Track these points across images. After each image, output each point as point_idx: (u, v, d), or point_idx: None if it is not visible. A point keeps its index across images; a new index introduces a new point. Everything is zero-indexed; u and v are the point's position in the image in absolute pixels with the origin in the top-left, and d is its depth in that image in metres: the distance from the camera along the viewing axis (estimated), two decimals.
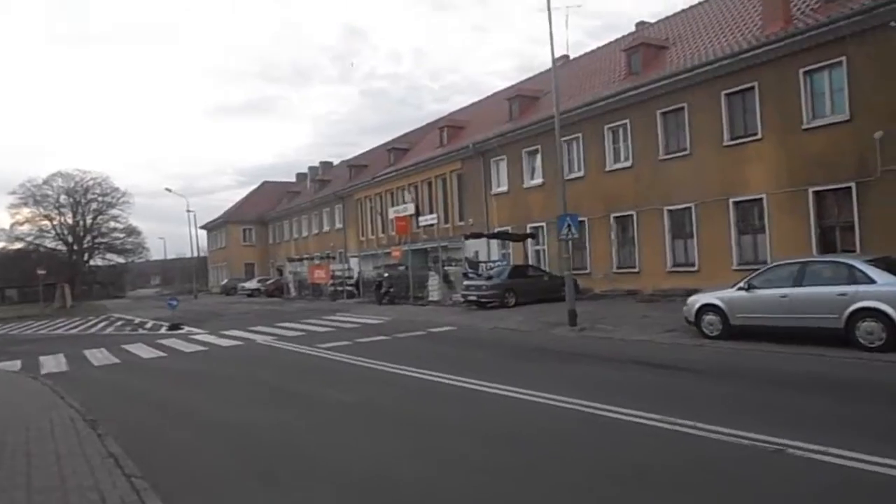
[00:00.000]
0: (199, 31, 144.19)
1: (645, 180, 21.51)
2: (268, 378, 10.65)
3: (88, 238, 69.92)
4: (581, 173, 24.16)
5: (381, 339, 15.00)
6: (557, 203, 15.33)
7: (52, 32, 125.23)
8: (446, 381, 9.10)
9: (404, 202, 35.97)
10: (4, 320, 34.66)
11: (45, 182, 65.06)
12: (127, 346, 16.92)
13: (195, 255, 59.20)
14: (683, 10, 25.79)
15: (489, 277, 20.77)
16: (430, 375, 9.61)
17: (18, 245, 67.39)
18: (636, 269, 22.06)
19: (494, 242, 27.92)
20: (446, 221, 32.81)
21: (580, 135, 24.10)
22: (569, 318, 14.67)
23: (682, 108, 20.19)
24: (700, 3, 25.26)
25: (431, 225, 32.87)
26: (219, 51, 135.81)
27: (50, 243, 68.42)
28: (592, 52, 30.33)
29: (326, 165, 56.68)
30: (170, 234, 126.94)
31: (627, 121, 22.14)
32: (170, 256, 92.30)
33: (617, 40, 28.39)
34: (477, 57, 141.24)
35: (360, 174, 44.32)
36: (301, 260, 41.65)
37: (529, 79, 33.60)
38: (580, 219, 23.97)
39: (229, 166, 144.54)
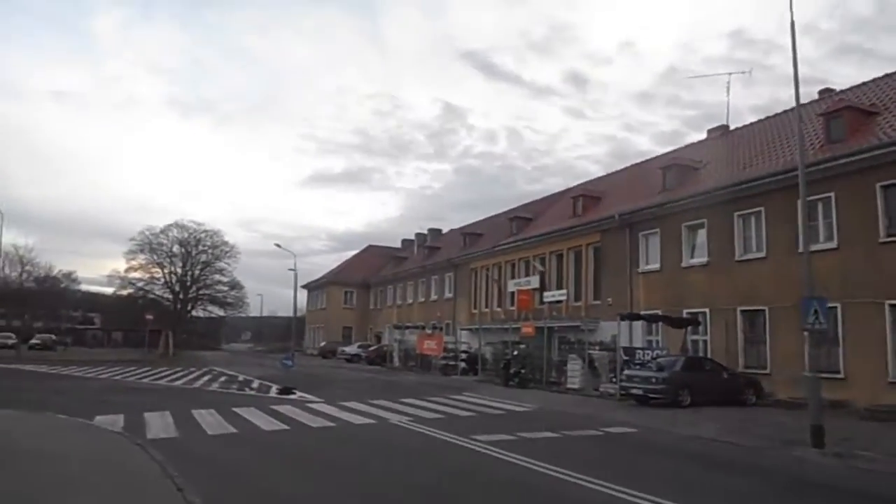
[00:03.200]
0: (306, 101, 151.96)
1: (856, 266, 17.58)
2: (446, 486, 7.65)
3: (194, 288, 71.19)
4: (762, 254, 20.47)
5: (550, 437, 11.77)
6: (803, 281, 11.96)
7: (171, 95, 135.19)
8: None
9: (527, 275, 33.12)
10: (110, 363, 33.86)
11: (163, 231, 67.29)
12: (238, 410, 14.48)
13: (294, 313, 58.31)
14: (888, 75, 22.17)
15: (660, 368, 17.17)
16: None
17: (129, 290, 69.39)
18: (840, 375, 17.79)
19: (638, 328, 24.21)
20: (577, 299, 29.53)
21: (762, 209, 20.58)
22: (812, 437, 10.93)
23: None
24: None
25: (559, 302, 29.82)
26: (321, 121, 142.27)
27: (158, 291, 70.15)
28: (759, 121, 26.96)
29: (435, 233, 55.06)
30: (264, 292, 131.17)
31: (832, 194, 18.48)
32: (263, 314, 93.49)
33: (811, 102, 24.94)
34: (570, 141, 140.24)
35: (474, 243, 42.03)
36: (407, 328, 39.17)
37: (682, 148, 30.49)
38: (760, 308, 20.44)
39: (323, 232, 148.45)
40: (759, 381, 18.49)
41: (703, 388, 17.02)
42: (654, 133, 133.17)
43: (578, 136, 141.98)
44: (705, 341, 22.16)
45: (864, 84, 23.10)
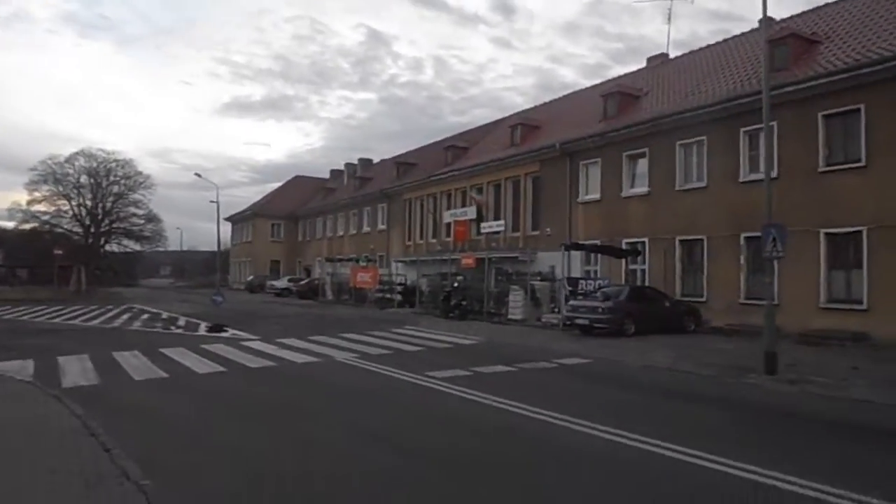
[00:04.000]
0: (220, 23, 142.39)
1: (794, 195, 17.71)
2: (412, 432, 6.99)
3: (106, 222, 66.68)
4: (703, 183, 20.47)
5: (505, 371, 11.33)
6: (764, 209, 11.65)
7: (67, 12, 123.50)
8: (705, 464, 5.37)
9: (464, 205, 32.45)
10: (14, 301, 31.19)
11: (67, 160, 61.92)
12: (166, 351, 13.32)
13: (218, 247, 55.77)
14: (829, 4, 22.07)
15: (606, 298, 17.04)
16: (665, 449, 5.87)
17: (33, 224, 64.28)
18: (774, 301, 18.20)
19: (577, 258, 24.10)
20: (515, 230, 29.16)
21: (704, 138, 20.45)
22: (765, 363, 10.94)
23: (858, 111, 16.52)
24: None
25: (497, 233, 29.46)
26: (237, 45, 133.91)
27: (66, 224, 65.29)
28: (703, 49, 26.66)
29: (366, 162, 53.27)
30: (182, 226, 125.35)
31: (774, 123, 18.37)
32: (183, 248, 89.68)
33: (751, 31, 24.67)
34: (497, 72, 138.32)
35: (408, 173, 40.83)
36: (340, 261, 38.06)
37: (623, 76, 29.97)
38: (698, 237, 20.60)
39: (243, 163, 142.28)
40: (698, 310, 18.79)
41: (646, 317, 17.08)
42: (579, 65, 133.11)
43: (506, 67, 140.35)
44: (643, 270, 22.33)
45: (804, 13, 23.05)
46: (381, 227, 41.42)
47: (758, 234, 18.45)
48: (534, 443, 6.56)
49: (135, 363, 11.61)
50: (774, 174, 18.32)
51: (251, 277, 52.55)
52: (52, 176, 61.33)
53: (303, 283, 42.42)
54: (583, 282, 20.27)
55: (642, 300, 17.53)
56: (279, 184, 65.47)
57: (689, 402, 8.99)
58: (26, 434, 6.29)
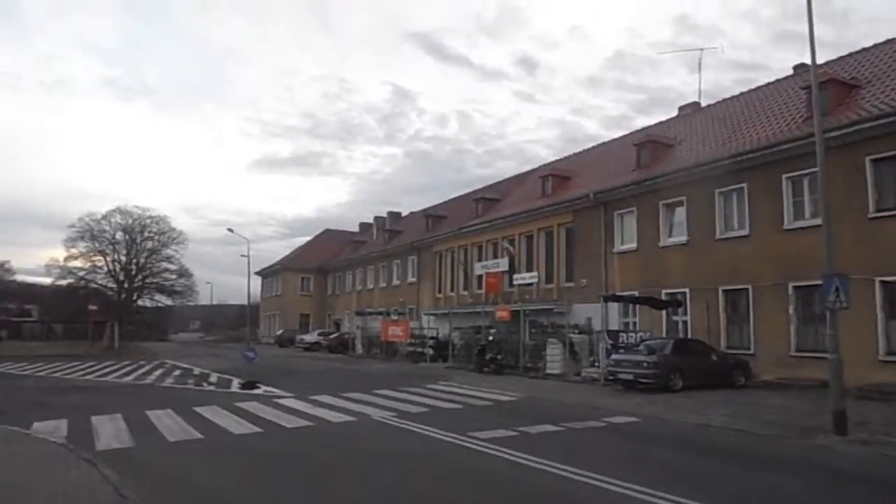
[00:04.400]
0: (251, 83, 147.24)
1: (844, 242, 16.97)
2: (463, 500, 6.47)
3: (140, 277, 67.68)
4: (745, 231, 19.88)
5: (552, 432, 10.73)
6: (822, 258, 11.11)
7: (107, 77, 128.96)
8: None
9: (495, 257, 32.13)
10: (49, 358, 31.34)
11: (104, 217, 63.37)
12: (200, 410, 12.98)
13: (248, 301, 56.01)
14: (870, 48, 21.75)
15: (651, 351, 16.36)
16: None
17: (69, 280, 65.50)
18: (837, 356, 17.29)
19: (615, 310, 23.44)
20: (548, 281, 28.66)
21: (744, 185, 19.96)
22: (834, 423, 10.19)
23: None
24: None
25: (530, 284, 28.96)
26: (268, 105, 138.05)
27: (101, 280, 66.37)
28: (736, 97, 26.43)
29: (395, 216, 53.57)
30: (212, 280, 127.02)
31: (818, 170, 17.90)
32: (212, 302, 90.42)
33: (784, 79, 24.44)
34: (520, 125, 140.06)
35: (438, 225, 40.83)
36: (370, 314, 37.76)
37: (654, 125, 29.82)
38: (743, 287, 19.89)
39: (271, 218, 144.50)
40: (747, 363, 17.95)
41: (693, 371, 16.32)
42: (601, 117, 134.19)
43: (529, 120, 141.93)
44: (685, 322, 21.58)
45: (840, 59, 22.75)
46: (412, 279, 41.20)
47: (807, 283, 18.05)
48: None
49: (168, 423, 11.28)
50: (821, 220, 17.79)
51: (281, 331, 52.46)
52: (90, 233, 62.67)
53: (332, 336, 42.11)
54: (623, 334, 19.60)
55: (689, 353, 16.80)
56: (308, 238, 66.15)
57: (755, 467, 8.29)
58: (58, 502, 5.94)
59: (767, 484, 7.42)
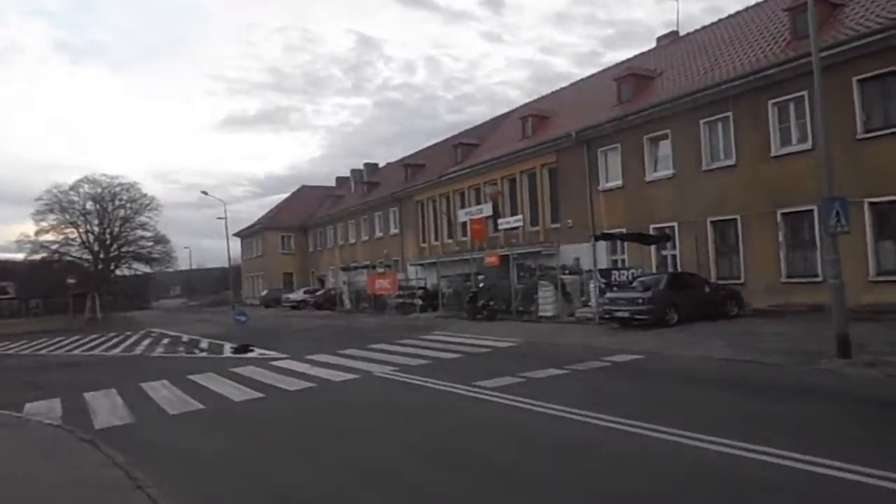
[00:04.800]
0: (210, 40, 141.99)
1: (834, 166, 16.91)
2: (488, 455, 6.30)
3: (115, 246, 66.35)
4: (732, 161, 19.70)
5: (559, 375, 10.66)
6: (822, 182, 10.88)
7: (58, 41, 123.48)
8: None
9: (478, 203, 31.76)
10: (31, 335, 30.70)
11: (72, 188, 61.52)
12: (196, 378, 12.72)
13: (229, 263, 55.33)
14: None
15: (646, 288, 16.31)
16: (782, 458, 5.17)
17: (42, 254, 64.01)
18: (818, 279, 17.46)
19: (603, 249, 23.33)
20: (534, 224, 28.45)
21: (729, 114, 19.67)
22: (838, 347, 10.20)
23: None
24: None
25: (515, 228, 28.71)
26: (230, 62, 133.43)
27: (75, 252, 64.98)
28: (715, 23, 25.84)
29: (372, 167, 52.68)
30: (190, 245, 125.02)
31: (805, 93, 17.65)
32: (192, 267, 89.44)
33: (766, 1, 23.81)
34: (490, 67, 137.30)
35: (417, 174, 40.18)
36: (355, 268, 37.44)
37: (633, 58, 29.17)
38: (731, 217, 19.83)
39: (243, 178, 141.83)
40: (739, 293, 18.03)
41: (688, 304, 16.35)
42: (572, 54, 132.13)
43: (498, 62, 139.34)
44: (674, 256, 21.59)
45: None
46: (394, 231, 40.78)
47: (795, 209, 18.04)
48: (622, 458, 5.88)
49: (166, 395, 10.99)
50: (808, 145, 17.68)
51: (265, 292, 52.04)
52: (58, 205, 60.98)
53: (319, 293, 41.83)
54: (615, 272, 19.54)
55: (683, 287, 16.80)
56: (283, 196, 65.10)
57: (771, 398, 8.25)
58: (66, 492, 5.66)
59: (784, 413, 7.37)
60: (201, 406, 9.79)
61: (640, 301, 15.89)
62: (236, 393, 10.77)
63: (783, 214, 18.33)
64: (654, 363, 11.48)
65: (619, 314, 16.38)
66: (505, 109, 40.33)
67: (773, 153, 18.51)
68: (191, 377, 12.87)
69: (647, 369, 10.96)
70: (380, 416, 8.58)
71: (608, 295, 17.23)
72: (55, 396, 11.53)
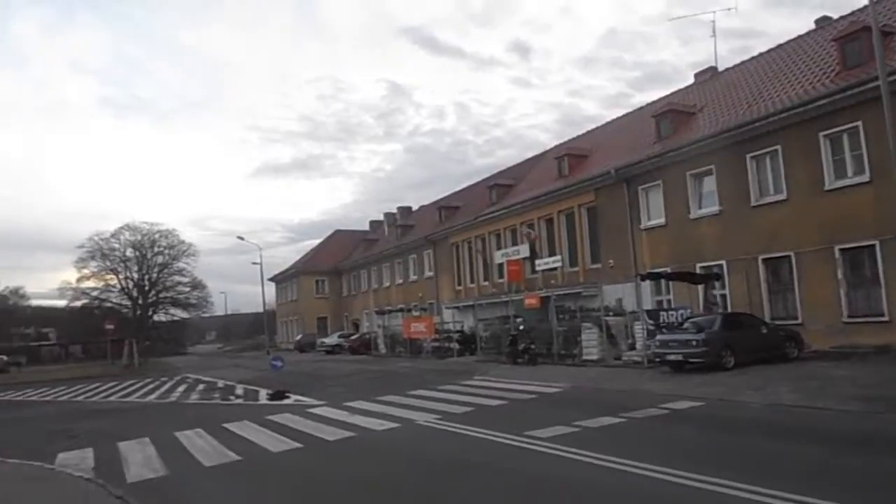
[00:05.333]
0: (247, 91, 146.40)
1: (893, 199, 16.05)
2: None
3: (153, 292, 67.37)
4: (783, 195, 18.91)
5: (615, 424, 9.89)
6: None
7: (102, 96, 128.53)
8: None
9: (514, 244, 31.27)
10: (70, 381, 30.74)
11: (113, 235, 63.15)
12: (231, 427, 12.23)
13: (264, 308, 55.49)
14: None
15: (699, 329, 15.46)
16: None
17: (83, 301, 65.24)
18: (884, 318, 16.40)
19: (646, 290, 22.46)
20: (573, 264, 27.78)
21: (778, 147, 18.98)
22: None
23: None
24: None
25: (554, 269, 28.08)
26: (265, 111, 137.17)
27: (115, 298, 66.08)
28: (754, 58, 25.38)
29: (405, 210, 52.75)
30: (225, 291, 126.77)
31: (859, 123, 16.93)
32: (227, 312, 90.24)
33: (804, 35, 23.34)
34: (518, 111, 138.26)
35: (452, 216, 39.95)
36: (390, 312, 37.00)
37: (671, 94, 28.78)
38: (784, 254, 18.95)
39: (277, 224, 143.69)
40: (798, 334, 17.00)
41: (744, 346, 15.41)
42: (599, 96, 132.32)
43: (526, 106, 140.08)
44: (723, 295, 20.64)
45: (864, 8, 21.53)
46: (429, 273, 40.40)
47: (854, 244, 17.11)
48: None
49: (201, 445, 10.52)
50: (866, 177, 16.85)
51: (300, 336, 51.83)
52: (100, 251, 62.59)
53: (354, 338, 41.38)
54: (663, 313, 18.70)
55: (738, 328, 15.88)
56: (317, 241, 65.55)
57: (859, 449, 7.43)
58: None
59: (883, 469, 6.56)
60: (237, 457, 9.27)
61: (694, 343, 15.02)
62: (273, 443, 10.24)
63: (841, 250, 17.38)
64: (717, 410, 10.65)
65: (671, 357, 15.52)
66: (534, 152, 40.30)
67: (826, 186, 17.70)
68: (226, 425, 12.39)
69: (712, 417, 10.14)
70: (427, 470, 7.94)
71: (658, 337, 16.38)
72: (89, 446, 11.11)
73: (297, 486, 7.56)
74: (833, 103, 17.41)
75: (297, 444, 9.96)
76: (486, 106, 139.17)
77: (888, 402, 9.82)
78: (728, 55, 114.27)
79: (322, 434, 10.74)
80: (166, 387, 24.50)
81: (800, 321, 18.21)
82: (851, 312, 17.19)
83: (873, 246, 16.65)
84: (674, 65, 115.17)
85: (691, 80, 29.19)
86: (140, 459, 9.63)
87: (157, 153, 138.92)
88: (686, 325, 16.50)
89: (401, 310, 36.17)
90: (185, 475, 8.49)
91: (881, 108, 16.33)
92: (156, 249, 65.38)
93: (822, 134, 17.80)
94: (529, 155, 40.67)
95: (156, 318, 69.65)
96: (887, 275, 16.37)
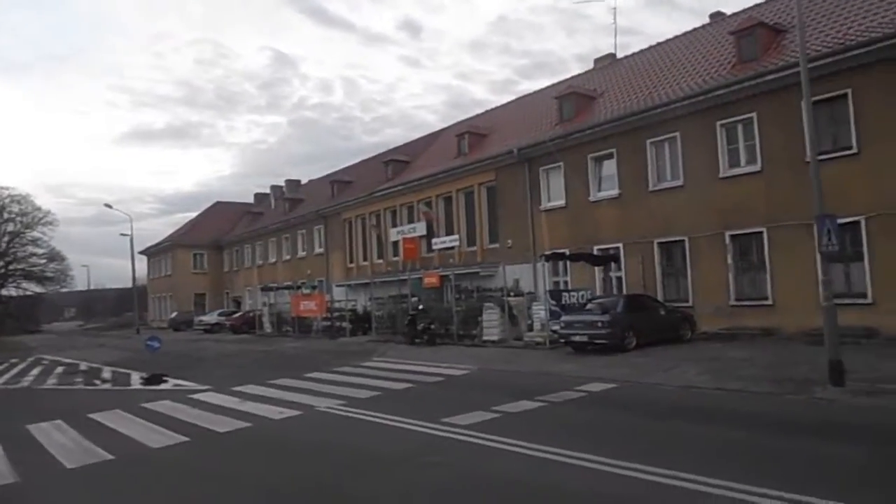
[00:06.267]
0: (117, 49, 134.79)
1: (783, 188, 16.78)
2: None
3: (1, 263, 60.25)
4: (679, 182, 19.38)
5: (532, 409, 9.40)
6: (814, 197, 10.23)
7: None
8: None
9: (411, 222, 30.48)
10: None
11: None
12: (98, 417, 10.60)
13: (134, 283, 51.08)
14: None
15: (604, 310, 15.41)
16: None
17: None
18: (768, 302, 17.24)
19: (543, 271, 22.43)
20: (471, 244, 27.40)
21: (677, 134, 19.40)
22: (831, 374, 9.52)
23: (845, 96, 15.79)
24: None
25: (451, 248, 27.58)
26: (137, 73, 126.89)
27: None
28: (653, 47, 25.94)
29: (293, 184, 50.35)
30: (87, 264, 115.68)
31: (754, 115, 17.55)
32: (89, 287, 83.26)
33: (701, 27, 24.08)
34: (407, 91, 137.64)
35: (344, 191, 38.43)
36: (278, 289, 35.06)
37: (572, 78, 28.93)
38: (679, 238, 19.49)
39: (148, 194, 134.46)
40: (692, 316, 17.53)
41: (645, 327, 15.61)
42: (487, 81, 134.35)
43: (415, 86, 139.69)
44: (619, 277, 21.02)
45: (756, 6, 22.49)
46: (319, 250, 38.71)
47: (743, 231, 17.80)
48: None
49: (62, 441, 8.88)
50: (758, 167, 17.55)
51: (175, 314, 48.24)
52: None
53: (236, 316, 38.94)
54: (566, 294, 18.66)
55: (640, 309, 16.04)
56: (192, 214, 61.42)
57: (781, 432, 7.34)
58: None
59: (802, 450, 6.47)
60: (109, 456, 7.81)
61: (599, 324, 14.97)
62: (152, 436, 8.82)
63: (732, 236, 18.07)
64: (634, 393, 10.47)
65: (576, 338, 15.41)
66: (421, 133, 39.75)
67: (721, 174, 18.28)
68: (93, 416, 10.71)
69: (631, 400, 9.90)
70: (339, 466, 6.97)
71: (563, 318, 16.24)
72: None
73: (183, 491, 6.37)
74: (731, 94, 17.94)
75: (182, 438, 8.64)
76: (375, 83, 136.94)
77: (793, 383, 10.01)
78: (609, 48, 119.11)
79: (210, 425, 9.45)
80: (17, 369, 21.55)
81: (690, 304, 18.81)
82: (738, 296, 17.93)
83: (761, 233, 17.41)
84: (559, 55, 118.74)
85: (574, 72, 29.65)
86: None
87: (8, 110, 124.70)
88: (589, 306, 16.48)
89: (288, 287, 34.33)
90: (42, 481, 7.00)
91: (775, 100, 17.13)
92: (5, 216, 58.38)
93: (718, 123, 18.33)
94: (417, 135, 39.99)
95: (5, 291, 62.50)
96: (773, 260, 17.17)
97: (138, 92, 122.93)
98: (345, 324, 27.68)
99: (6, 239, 59.63)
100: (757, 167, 17.54)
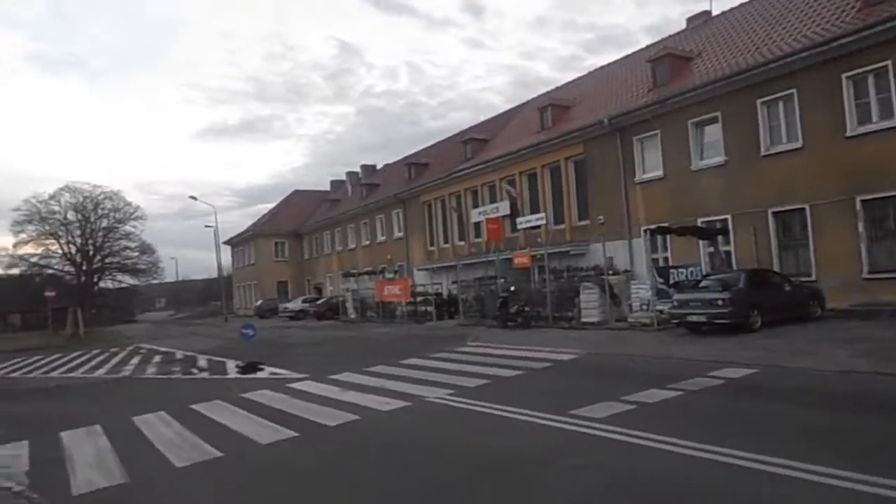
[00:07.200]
0: (190, 49, 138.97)
1: None
2: None
3: (98, 258, 63.30)
4: (798, 143, 17.53)
5: (670, 399, 8.28)
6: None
7: (35, 54, 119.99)
8: None
9: (493, 201, 29.49)
10: (5, 353, 27.69)
11: (52, 197, 58.62)
12: (200, 409, 10.22)
13: (220, 273, 52.65)
14: None
15: (724, 287, 13.98)
16: None
17: (21, 268, 60.91)
18: None
19: (642, 248, 21.01)
20: (558, 222, 26.18)
21: (794, 91, 17.52)
22: None
23: None
24: None
25: (538, 227, 26.44)
26: (210, 70, 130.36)
27: (56, 265, 61.84)
28: (744, 5, 23.76)
29: (369, 169, 50.27)
30: (175, 256, 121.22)
31: (888, 63, 15.53)
32: (177, 279, 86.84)
33: None
34: (471, 73, 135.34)
35: (422, 174, 37.82)
36: (360, 275, 34.94)
37: (665, 38, 27.06)
38: (798, 207, 17.67)
39: (224, 188, 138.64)
40: (821, 291, 15.80)
41: (771, 305, 14.09)
42: (552, 58, 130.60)
43: (479, 68, 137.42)
44: (727, 251, 19.33)
45: None
46: (398, 234, 38.35)
47: (878, 195, 15.85)
48: None
49: (167, 435, 8.49)
50: (894, 122, 15.55)
51: (260, 302, 49.29)
52: (38, 215, 58.16)
53: (320, 302, 39.24)
54: (673, 271, 17.26)
55: (764, 286, 14.54)
56: (270, 205, 62.58)
57: None
58: None
59: None
60: (217, 453, 7.30)
61: (720, 302, 13.58)
62: (259, 430, 8.30)
63: (863, 202, 16.15)
64: (782, 379, 9.16)
65: (693, 318, 14.07)
66: (487, 115, 38.53)
67: (848, 133, 16.34)
68: (195, 407, 10.37)
69: (782, 388, 8.63)
70: (475, 467, 6.12)
71: (677, 296, 14.91)
72: (23, 437, 8.97)
73: (302, 496, 5.69)
74: (859, 41, 15.94)
75: (291, 433, 8.04)
76: (439, 67, 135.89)
77: None
78: (680, 17, 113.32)
79: (317, 417, 8.84)
80: (117, 359, 22.09)
81: (813, 278, 17.04)
82: (872, 268, 16.05)
83: (892, 197, 15.46)
84: (626, 28, 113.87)
85: (643, 44, 27.56)
86: (89, 457, 7.58)
87: (94, 113, 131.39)
88: (705, 283, 15.06)
89: (370, 272, 34.11)
90: (153, 482, 6.51)
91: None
92: (99, 212, 61.18)
93: (844, 75, 16.36)
94: (483, 118, 38.81)
95: (102, 285, 65.78)
96: None
97: (212, 89, 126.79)
98: (430, 308, 27.10)
99: (101, 234, 62.56)
100: (893, 122, 15.53)
